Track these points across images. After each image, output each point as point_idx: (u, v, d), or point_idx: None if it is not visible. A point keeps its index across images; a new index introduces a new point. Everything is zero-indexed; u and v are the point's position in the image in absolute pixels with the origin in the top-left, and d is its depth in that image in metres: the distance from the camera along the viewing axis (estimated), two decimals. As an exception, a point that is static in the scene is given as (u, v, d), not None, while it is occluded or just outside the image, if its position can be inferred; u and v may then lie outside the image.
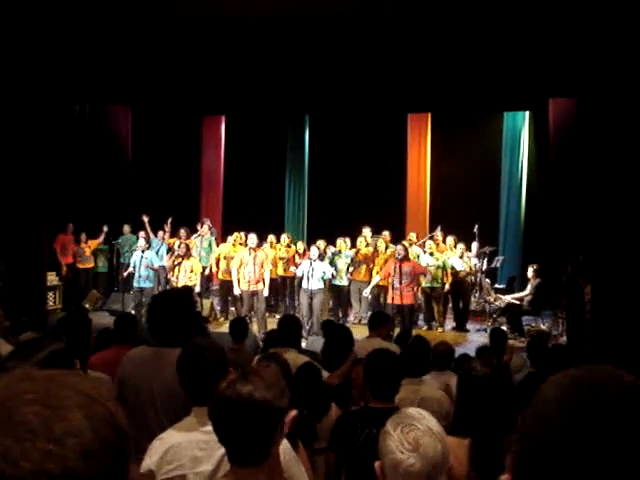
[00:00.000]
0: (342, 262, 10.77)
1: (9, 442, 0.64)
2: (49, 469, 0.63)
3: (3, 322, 4.40)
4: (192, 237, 11.62)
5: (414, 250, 10.97)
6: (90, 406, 0.71)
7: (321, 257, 10.15)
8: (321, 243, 10.94)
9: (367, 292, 10.24)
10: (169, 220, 11.88)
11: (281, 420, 1.81)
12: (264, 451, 1.79)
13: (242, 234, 11.26)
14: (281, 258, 11.20)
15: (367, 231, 11.25)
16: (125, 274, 11.26)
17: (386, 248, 10.79)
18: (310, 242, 11.33)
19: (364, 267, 10.72)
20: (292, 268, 10.82)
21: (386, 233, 11.43)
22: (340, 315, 10.95)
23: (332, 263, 10.64)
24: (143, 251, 10.56)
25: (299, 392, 3.24)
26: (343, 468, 3.15)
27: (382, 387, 3.16)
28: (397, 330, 8.13)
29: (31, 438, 0.64)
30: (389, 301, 9.43)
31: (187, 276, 10.02)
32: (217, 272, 11.30)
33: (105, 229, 12.46)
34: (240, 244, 11.12)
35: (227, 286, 10.82)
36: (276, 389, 1.81)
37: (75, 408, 0.69)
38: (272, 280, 10.37)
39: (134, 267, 10.53)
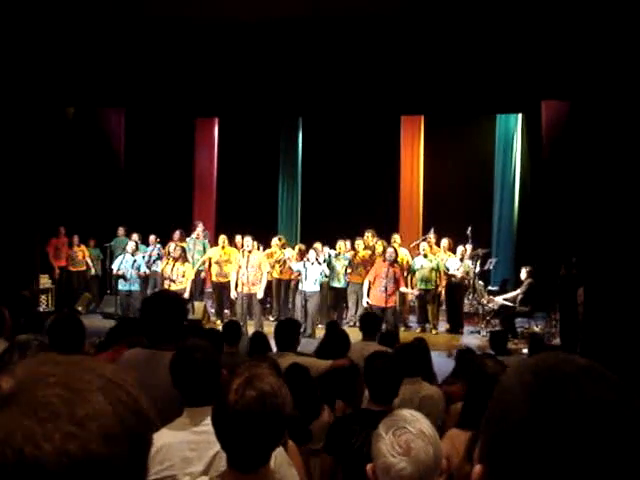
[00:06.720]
0: (340, 264, 10.76)
1: (31, 423, 0.64)
2: (70, 450, 0.64)
3: (9, 321, 4.51)
4: (187, 239, 11.57)
5: (401, 252, 10.94)
6: (112, 391, 0.71)
7: (317, 260, 10.12)
8: (318, 245, 10.91)
9: (365, 302, 9.83)
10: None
11: (287, 425, 1.79)
12: (267, 457, 1.79)
13: (234, 237, 11.23)
14: (277, 261, 11.17)
15: (369, 234, 11.24)
16: (114, 270, 10.85)
17: (383, 251, 10.74)
18: (303, 244, 11.28)
19: (362, 270, 10.70)
20: (293, 264, 10.64)
21: (396, 236, 11.45)
22: (335, 317, 10.93)
23: (330, 265, 10.61)
24: (133, 254, 10.48)
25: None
26: (340, 471, 3.14)
27: (381, 390, 3.16)
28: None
29: (53, 420, 0.65)
30: (372, 302, 9.34)
31: (179, 280, 9.95)
32: (210, 275, 11.26)
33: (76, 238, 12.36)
34: (225, 246, 11.09)
35: (220, 289, 10.82)
36: (283, 395, 1.78)
37: (97, 392, 0.70)
38: (268, 282, 10.35)
39: (119, 269, 10.42)
